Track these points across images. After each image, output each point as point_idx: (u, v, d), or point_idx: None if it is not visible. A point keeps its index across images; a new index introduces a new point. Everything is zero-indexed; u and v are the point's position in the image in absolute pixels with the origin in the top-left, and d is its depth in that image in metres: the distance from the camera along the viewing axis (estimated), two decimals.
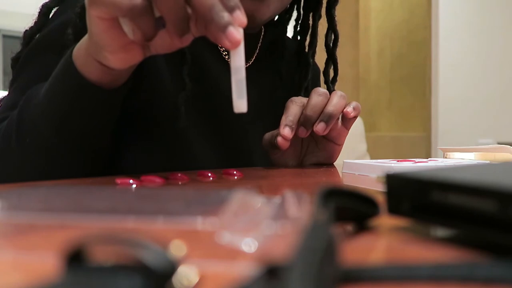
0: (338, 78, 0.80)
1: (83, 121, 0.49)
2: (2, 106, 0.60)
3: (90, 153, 0.52)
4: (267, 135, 0.65)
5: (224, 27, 0.37)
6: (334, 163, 0.72)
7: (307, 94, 0.78)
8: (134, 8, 0.37)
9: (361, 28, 3.66)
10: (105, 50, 0.43)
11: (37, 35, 0.62)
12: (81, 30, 0.52)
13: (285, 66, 0.78)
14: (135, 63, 0.46)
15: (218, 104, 0.67)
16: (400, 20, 3.62)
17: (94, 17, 0.40)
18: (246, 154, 0.71)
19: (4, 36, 2.98)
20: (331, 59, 0.78)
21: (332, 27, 0.77)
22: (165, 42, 0.44)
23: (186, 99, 0.61)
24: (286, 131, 0.59)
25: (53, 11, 0.63)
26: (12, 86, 0.62)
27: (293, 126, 0.60)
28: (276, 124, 0.64)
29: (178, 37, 0.40)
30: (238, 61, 0.39)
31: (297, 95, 0.76)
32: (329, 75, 0.79)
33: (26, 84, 0.57)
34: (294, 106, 0.62)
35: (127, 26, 0.40)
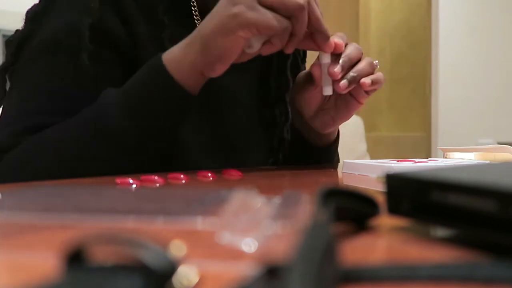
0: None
1: (173, 127, 0.55)
2: (23, 110, 0.58)
3: (161, 153, 0.57)
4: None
5: (328, 38, 0.54)
6: (334, 163, 0.71)
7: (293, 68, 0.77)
8: (285, 29, 0.49)
9: (361, 28, 3.66)
10: (222, 62, 0.51)
11: (35, 39, 0.60)
12: (92, 53, 0.57)
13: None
14: None
15: (211, 93, 0.66)
16: (400, 20, 3.61)
17: (240, 37, 0.49)
18: (239, 141, 0.70)
19: (4, 36, 2.99)
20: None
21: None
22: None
23: None
24: (342, 85, 0.58)
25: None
26: (14, 89, 0.61)
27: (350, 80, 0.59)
28: (263, 109, 0.68)
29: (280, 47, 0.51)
30: (326, 59, 0.56)
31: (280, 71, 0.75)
32: (300, 54, 0.79)
33: (44, 85, 0.58)
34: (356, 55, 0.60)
35: (258, 42, 0.50)
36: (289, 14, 0.49)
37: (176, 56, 0.53)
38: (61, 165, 0.53)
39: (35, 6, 0.62)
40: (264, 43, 0.51)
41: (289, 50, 0.52)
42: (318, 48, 0.55)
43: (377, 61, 0.62)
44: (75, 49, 0.57)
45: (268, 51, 0.52)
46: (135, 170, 0.50)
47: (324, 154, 0.71)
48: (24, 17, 0.62)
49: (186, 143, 0.63)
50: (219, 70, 0.52)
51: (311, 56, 0.80)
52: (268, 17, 0.48)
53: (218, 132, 0.67)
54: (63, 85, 0.57)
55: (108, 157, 0.53)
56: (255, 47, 0.51)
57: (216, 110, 0.67)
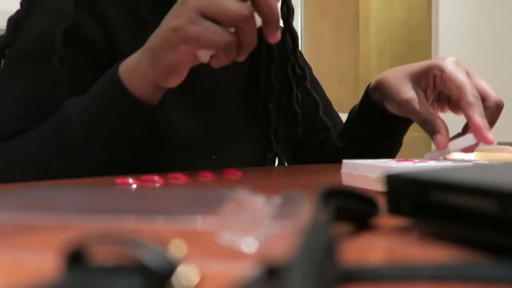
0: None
1: (134, 137, 0.54)
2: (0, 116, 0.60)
3: (129, 159, 0.56)
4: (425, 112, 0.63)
5: (278, 27, 0.47)
6: (334, 163, 0.71)
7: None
8: (228, 43, 0.45)
9: (361, 28, 3.66)
10: (174, 74, 0.49)
11: (15, 46, 0.62)
12: (64, 57, 0.57)
13: None
14: None
15: (200, 88, 0.66)
16: (400, 20, 3.61)
17: (183, 52, 0.46)
18: (232, 136, 0.70)
19: None
20: (288, 30, 0.78)
21: (285, 1, 0.78)
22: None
23: None
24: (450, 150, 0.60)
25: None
26: None
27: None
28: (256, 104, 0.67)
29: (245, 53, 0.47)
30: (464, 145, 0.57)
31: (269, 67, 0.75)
32: (289, 45, 0.78)
33: (20, 92, 0.59)
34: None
35: (206, 55, 0.47)
36: (233, 25, 0.46)
37: (131, 66, 0.51)
38: (35, 171, 0.54)
39: (16, 13, 0.64)
40: (213, 56, 0.48)
41: (240, 59, 0.48)
42: (267, 38, 0.48)
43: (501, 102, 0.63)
44: (49, 55, 0.58)
45: (216, 64, 0.48)
46: (105, 173, 0.51)
47: (400, 126, 0.73)
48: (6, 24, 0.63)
49: (179, 142, 0.63)
50: (173, 81, 0.50)
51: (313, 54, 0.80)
52: (210, 31, 0.45)
53: (209, 128, 0.67)
54: (38, 91, 0.59)
55: (76, 164, 0.53)
56: (203, 59, 0.48)
57: (206, 105, 0.67)
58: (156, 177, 0.45)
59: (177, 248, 0.14)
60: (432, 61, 0.65)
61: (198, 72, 0.53)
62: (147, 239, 0.14)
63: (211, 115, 0.68)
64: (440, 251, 0.20)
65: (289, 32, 0.79)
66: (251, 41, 0.47)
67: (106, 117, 0.52)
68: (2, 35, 0.63)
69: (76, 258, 0.14)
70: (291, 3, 0.79)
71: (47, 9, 0.61)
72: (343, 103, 3.26)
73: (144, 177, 0.45)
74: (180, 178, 0.47)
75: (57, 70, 0.57)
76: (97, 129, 0.52)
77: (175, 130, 0.63)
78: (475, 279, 0.15)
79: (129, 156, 0.56)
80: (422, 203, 0.22)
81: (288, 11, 0.78)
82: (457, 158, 0.70)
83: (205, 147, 0.66)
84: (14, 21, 0.62)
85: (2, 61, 0.63)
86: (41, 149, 0.54)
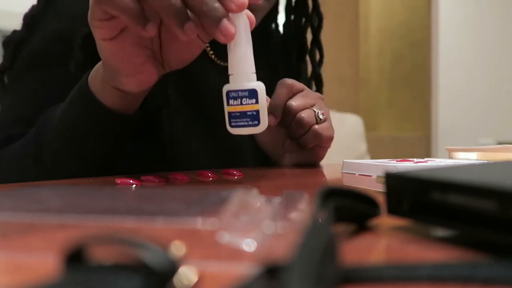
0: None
1: (105, 144, 0.51)
2: (6, 120, 0.60)
3: (105, 169, 0.54)
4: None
5: (217, 21, 0.37)
6: (332, 163, 0.71)
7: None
8: (128, 9, 0.37)
9: (361, 28, 3.66)
10: (120, 74, 0.44)
11: (26, 48, 0.61)
12: (82, 61, 0.55)
13: (272, 53, 0.76)
14: (150, 85, 0.46)
15: (205, 100, 0.66)
16: (400, 20, 3.61)
17: (100, 41, 0.42)
18: (236, 143, 0.69)
19: (4, 37, 2.99)
20: (315, 41, 0.76)
21: (316, 9, 0.75)
22: (177, 56, 0.45)
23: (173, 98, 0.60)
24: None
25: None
26: (3, 99, 0.62)
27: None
28: None
29: (180, 29, 0.38)
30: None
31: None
32: (315, 58, 0.77)
33: (23, 101, 0.59)
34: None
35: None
36: None
37: (95, 70, 0.48)
38: (16, 178, 0.53)
39: (32, 9, 0.62)
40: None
41: (183, 37, 0.39)
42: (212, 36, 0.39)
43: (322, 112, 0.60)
44: (64, 60, 0.57)
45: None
46: (83, 176, 0.50)
47: None
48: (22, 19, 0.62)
49: (185, 151, 0.63)
50: (128, 83, 0.44)
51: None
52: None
53: (213, 136, 0.67)
54: (44, 96, 0.58)
55: (52, 173, 0.52)
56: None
57: (210, 113, 0.66)
58: (156, 177, 0.45)
59: (177, 248, 0.14)
60: None
61: (205, 82, 0.52)
62: (147, 239, 0.14)
63: (215, 124, 0.67)
64: (440, 251, 0.20)
65: (317, 44, 0.76)
66: (161, 5, 0.37)
67: (76, 123, 0.50)
68: (15, 30, 0.62)
69: (76, 258, 0.14)
70: (321, 12, 0.75)
71: (66, 11, 0.60)
72: (343, 103, 3.26)
73: (144, 177, 0.45)
74: (180, 178, 0.47)
75: (73, 74, 0.55)
76: (68, 135, 0.50)
77: (180, 140, 0.63)
78: (475, 279, 0.15)
79: (108, 163, 0.53)
80: (422, 203, 0.22)
81: (319, 22, 0.74)
82: (460, 157, 0.70)
83: (212, 159, 0.66)
84: (29, 18, 0.61)
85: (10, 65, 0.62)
86: (19, 158, 0.54)
